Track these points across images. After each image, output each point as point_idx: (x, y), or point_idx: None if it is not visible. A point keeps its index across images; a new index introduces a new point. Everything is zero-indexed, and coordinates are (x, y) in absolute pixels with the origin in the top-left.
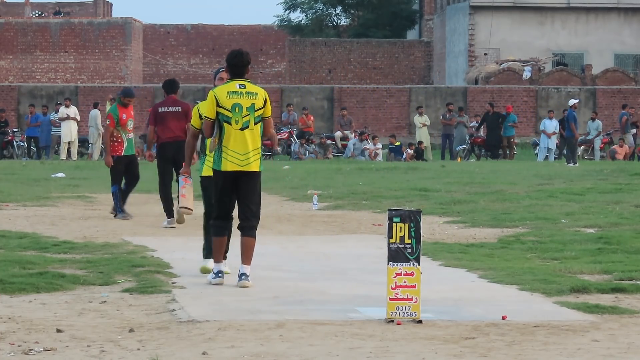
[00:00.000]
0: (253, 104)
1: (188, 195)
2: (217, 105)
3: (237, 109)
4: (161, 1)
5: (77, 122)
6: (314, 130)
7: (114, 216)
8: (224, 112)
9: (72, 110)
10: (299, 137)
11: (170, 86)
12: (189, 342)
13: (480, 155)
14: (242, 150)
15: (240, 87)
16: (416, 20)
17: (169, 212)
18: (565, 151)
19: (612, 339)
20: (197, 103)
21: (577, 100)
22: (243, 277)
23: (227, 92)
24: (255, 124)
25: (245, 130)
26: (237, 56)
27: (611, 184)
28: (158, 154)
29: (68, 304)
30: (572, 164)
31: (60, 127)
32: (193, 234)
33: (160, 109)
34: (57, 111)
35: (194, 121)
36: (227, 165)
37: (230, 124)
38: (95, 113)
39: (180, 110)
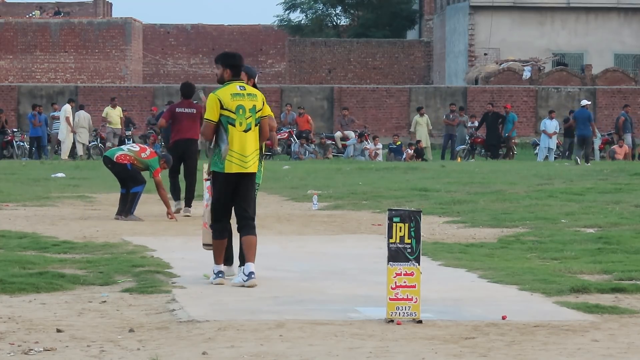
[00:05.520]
0: (254, 106)
1: (208, 224)
2: (221, 107)
3: (240, 111)
4: (161, 1)
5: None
6: (312, 130)
7: (124, 217)
8: (228, 114)
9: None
10: (298, 137)
11: (188, 90)
12: (189, 342)
13: (480, 155)
14: (245, 152)
15: (241, 89)
16: (416, 20)
17: (177, 196)
18: (577, 150)
19: (612, 339)
20: (213, 92)
21: (589, 102)
22: (252, 276)
23: (231, 94)
24: (255, 125)
25: (248, 132)
26: (239, 58)
27: (611, 184)
28: (171, 151)
29: (68, 304)
30: (587, 163)
31: (59, 124)
32: (193, 233)
33: (177, 109)
34: (55, 110)
35: (212, 114)
36: (232, 168)
37: (234, 125)
38: (67, 108)
39: (194, 112)
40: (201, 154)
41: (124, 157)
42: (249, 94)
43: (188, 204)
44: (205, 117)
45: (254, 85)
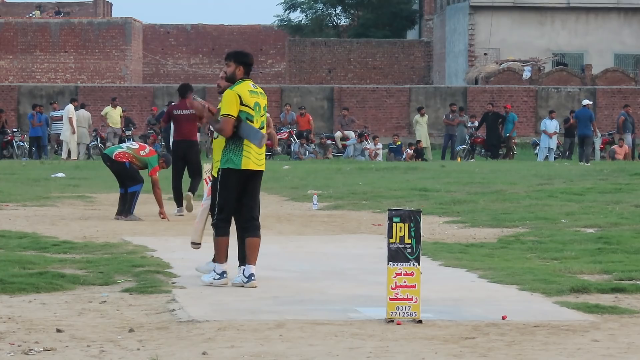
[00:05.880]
0: (265, 105)
1: (199, 223)
2: (241, 103)
3: (257, 108)
4: (161, 1)
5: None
6: (312, 130)
7: (124, 217)
8: (247, 110)
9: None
10: (298, 137)
11: (184, 90)
12: (189, 342)
13: (480, 155)
14: (260, 150)
15: (254, 87)
16: (416, 20)
17: (178, 202)
18: (580, 150)
19: (612, 339)
20: (231, 87)
21: (590, 102)
22: (253, 278)
23: (248, 90)
24: (265, 124)
25: (262, 130)
26: (251, 57)
27: (611, 184)
28: (172, 152)
29: (68, 304)
30: (587, 163)
31: (60, 123)
32: None
33: (175, 112)
34: (55, 109)
35: (232, 109)
36: (250, 164)
37: (252, 122)
38: (70, 108)
39: (193, 112)
40: (202, 154)
41: (123, 155)
42: (260, 93)
43: (190, 191)
44: (224, 112)
45: None
